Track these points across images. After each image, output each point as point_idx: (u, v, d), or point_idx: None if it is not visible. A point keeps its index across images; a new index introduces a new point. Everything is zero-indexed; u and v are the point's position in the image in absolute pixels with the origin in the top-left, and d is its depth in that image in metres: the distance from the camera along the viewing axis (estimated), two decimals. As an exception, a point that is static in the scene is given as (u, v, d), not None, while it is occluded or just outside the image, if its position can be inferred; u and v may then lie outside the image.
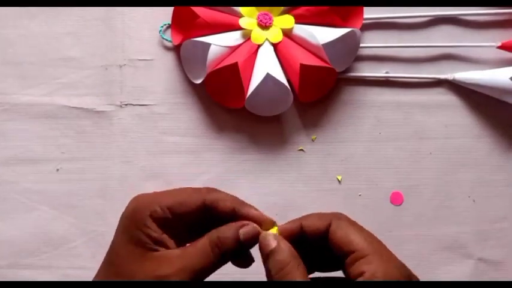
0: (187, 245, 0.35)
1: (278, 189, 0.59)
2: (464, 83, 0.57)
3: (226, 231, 0.34)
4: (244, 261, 0.37)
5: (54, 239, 0.58)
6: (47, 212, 0.58)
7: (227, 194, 0.35)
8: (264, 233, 0.34)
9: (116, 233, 0.36)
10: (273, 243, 0.33)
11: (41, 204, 0.58)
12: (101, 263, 0.38)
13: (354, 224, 0.34)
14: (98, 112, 0.59)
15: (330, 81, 0.57)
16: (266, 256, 0.33)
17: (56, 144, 0.59)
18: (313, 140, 0.59)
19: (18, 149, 0.59)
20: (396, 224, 0.59)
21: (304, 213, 0.59)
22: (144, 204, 0.35)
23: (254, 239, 0.34)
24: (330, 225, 0.33)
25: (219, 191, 0.36)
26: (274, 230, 0.34)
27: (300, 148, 0.59)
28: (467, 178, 0.59)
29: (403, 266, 0.32)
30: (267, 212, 0.58)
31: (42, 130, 0.59)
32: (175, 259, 0.33)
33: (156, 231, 0.34)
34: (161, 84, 0.59)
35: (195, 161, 0.58)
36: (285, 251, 0.32)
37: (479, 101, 0.58)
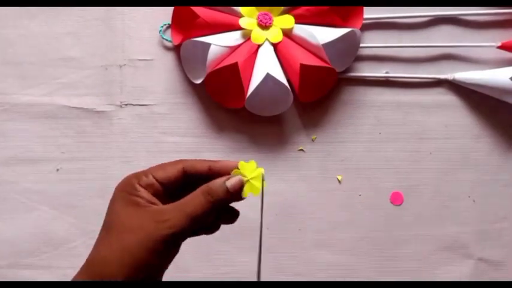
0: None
1: (278, 189, 0.59)
2: (464, 83, 0.57)
3: (215, 182, 0.38)
4: (231, 214, 0.42)
5: (54, 239, 0.58)
6: (47, 212, 0.58)
7: (198, 159, 0.40)
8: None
9: (110, 204, 0.39)
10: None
11: (41, 204, 0.58)
12: None
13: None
14: (98, 112, 0.59)
15: (330, 81, 0.57)
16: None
17: (56, 144, 0.59)
18: (313, 140, 0.59)
19: (18, 149, 0.59)
20: (396, 224, 0.59)
21: (304, 213, 0.59)
22: (131, 176, 0.39)
23: (239, 186, 0.38)
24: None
25: (190, 159, 0.41)
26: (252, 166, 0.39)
27: (300, 148, 0.59)
28: (467, 178, 0.59)
29: None
30: (267, 212, 0.59)
31: (42, 130, 0.59)
32: (171, 208, 0.37)
33: (146, 194, 0.38)
34: (161, 84, 0.59)
35: (195, 161, 0.58)
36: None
37: (479, 101, 0.58)
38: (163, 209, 0.37)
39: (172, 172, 0.39)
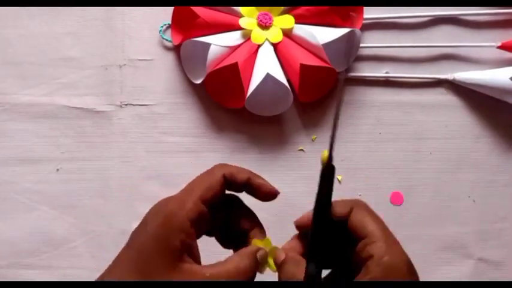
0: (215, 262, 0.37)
1: (278, 189, 0.59)
2: (464, 83, 0.57)
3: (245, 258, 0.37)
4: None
5: (54, 239, 0.58)
6: (47, 212, 0.58)
7: (237, 166, 0.38)
8: (276, 249, 0.38)
9: (144, 240, 0.34)
10: (282, 256, 0.37)
11: (41, 204, 0.58)
12: (100, 262, 0.39)
13: (370, 211, 0.36)
14: (98, 112, 0.59)
15: (330, 81, 0.57)
16: (279, 265, 0.37)
17: (56, 144, 0.59)
18: (313, 140, 0.59)
19: (18, 149, 0.59)
20: (396, 224, 0.59)
21: (304, 213, 0.59)
22: (176, 207, 0.35)
23: (266, 258, 0.38)
24: (351, 210, 0.36)
25: (230, 165, 0.38)
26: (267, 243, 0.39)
27: (300, 148, 0.59)
28: (467, 178, 0.59)
29: (405, 253, 0.35)
30: (267, 212, 0.59)
31: (42, 130, 0.59)
32: (201, 275, 0.34)
33: (189, 237, 0.34)
34: (161, 84, 0.59)
35: (195, 161, 0.58)
36: (293, 264, 0.36)
37: (479, 101, 0.58)
38: (195, 274, 0.34)
39: (217, 186, 0.37)
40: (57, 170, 0.59)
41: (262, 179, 0.39)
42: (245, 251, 0.37)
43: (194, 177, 0.38)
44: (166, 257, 0.33)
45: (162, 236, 0.33)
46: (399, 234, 0.58)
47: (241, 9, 0.56)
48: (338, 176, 0.59)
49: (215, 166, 0.38)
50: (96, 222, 0.58)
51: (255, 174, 0.38)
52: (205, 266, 0.35)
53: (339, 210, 0.37)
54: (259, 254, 0.37)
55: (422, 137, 0.59)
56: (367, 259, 0.33)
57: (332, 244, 0.36)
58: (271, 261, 0.38)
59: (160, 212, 0.35)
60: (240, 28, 0.56)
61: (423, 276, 0.59)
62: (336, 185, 0.59)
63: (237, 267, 0.35)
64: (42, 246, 0.58)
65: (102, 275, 0.34)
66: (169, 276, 0.33)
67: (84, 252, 0.58)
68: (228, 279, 0.34)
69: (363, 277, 0.33)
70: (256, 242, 0.38)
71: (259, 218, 0.60)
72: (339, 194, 0.58)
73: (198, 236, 0.37)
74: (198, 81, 0.56)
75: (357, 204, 0.37)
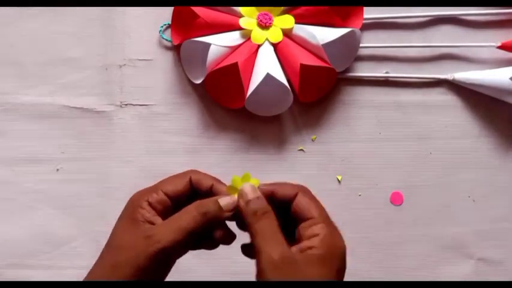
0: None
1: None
2: (464, 83, 0.57)
3: (210, 199, 0.40)
4: (228, 235, 0.42)
5: (55, 239, 0.58)
6: (47, 212, 0.58)
7: (206, 174, 0.42)
8: (245, 184, 0.40)
9: (117, 221, 0.41)
10: (253, 193, 0.39)
11: (41, 204, 0.58)
12: None
13: (314, 198, 0.41)
14: (98, 112, 0.59)
15: (330, 81, 0.57)
16: (248, 202, 0.39)
17: (56, 144, 0.59)
18: (313, 140, 0.59)
19: (18, 149, 0.59)
20: (396, 224, 0.59)
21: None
22: (142, 192, 0.41)
23: (232, 207, 0.40)
24: (296, 194, 0.40)
25: (200, 172, 0.42)
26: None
27: (300, 148, 0.59)
28: (467, 178, 0.59)
29: (343, 239, 0.39)
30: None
31: (42, 130, 0.59)
32: (162, 224, 0.39)
33: (149, 213, 0.39)
34: (161, 84, 0.59)
35: (195, 161, 0.58)
36: (265, 199, 0.40)
37: (479, 101, 0.58)
38: (155, 226, 0.38)
39: (181, 184, 0.41)
40: (57, 170, 0.59)
41: (224, 185, 0.41)
42: (191, 207, 0.39)
43: None
44: (129, 224, 0.39)
45: (126, 213, 0.40)
46: (399, 234, 0.59)
47: (241, 9, 0.56)
48: (338, 176, 0.59)
49: (187, 170, 0.42)
50: (96, 222, 0.58)
51: (219, 181, 0.41)
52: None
53: (285, 193, 0.41)
54: (223, 201, 0.40)
55: (422, 137, 0.59)
56: (311, 236, 0.38)
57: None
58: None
59: (133, 194, 0.41)
60: (240, 28, 0.56)
61: (423, 276, 0.59)
62: (336, 185, 0.59)
63: (186, 223, 0.38)
64: (43, 246, 0.58)
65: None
66: (132, 234, 0.38)
67: (84, 252, 0.58)
68: (180, 231, 0.38)
69: (304, 246, 0.37)
70: (235, 180, 0.40)
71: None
72: (339, 194, 0.59)
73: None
74: (198, 81, 0.56)
75: (302, 190, 0.41)
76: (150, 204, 0.39)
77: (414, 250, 0.59)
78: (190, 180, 0.41)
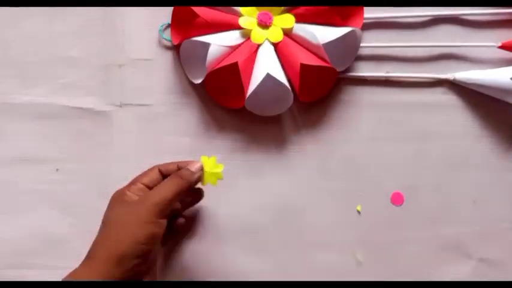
0: None
1: (278, 189, 0.59)
2: (465, 83, 0.57)
3: (183, 169, 0.50)
4: (197, 193, 0.55)
5: (54, 239, 0.58)
6: (47, 212, 0.58)
7: (171, 162, 0.52)
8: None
9: (103, 216, 0.48)
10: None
11: (41, 204, 0.58)
12: None
13: None
14: (98, 112, 0.59)
15: (330, 81, 0.57)
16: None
17: (56, 144, 0.59)
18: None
19: (18, 149, 0.59)
20: (396, 224, 0.59)
21: (303, 213, 0.59)
22: (122, 188, 0.50)
23: (200, 168, 0.50)
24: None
25: (163, 163, 0.52)
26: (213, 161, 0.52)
27: (300, 148, 0.59)
28: (467, 178, 0.59)
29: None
30: (267, 212, 0.59)
31: (42, 130, 0.59)
32: (153, 189, 0.47)
33: (133, 195, 0.48)
34: (161, 84, 0.59)
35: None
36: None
37: (480, 101, 0.58)
38: (146, 193, 0.47)
39: (154, 174, 0.50)
40: (57, 170, 0.59)
41: (189, 160, 0.51)
42: (171, 176, 0.49)
43: None
44: (117, 205, 0.48)
45: (112, 202, 0.48)
46: (400, 235, 0.59)
47: (241, 9, 0.56)
48: (338, 177, 0.59)
49: (155, 165, 0.51)
50: (96, 222, 0.58)
51: (181, 162, 0.51)
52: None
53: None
54: (193, 167, 0.50)
55: (422, 137, 0.59)
56: None
57: None
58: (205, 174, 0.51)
59: (111, 196, 0.50)
60: (239, 28, 0.56)
61: (423, 276, 0.59)
62: (336, 185, 0.59)
63: (165, 189, 0.47)
64: (42, 246, 0.58)
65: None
66: (124, 207, 0.47)
67: (84, 252, 0.58)
68: (168, 191, 0.47)
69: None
70: (203, 159, 0.51)
71: (258, 219, 0.61)
72: (339, 194, 0.59)
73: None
74: (198, 81, 0.56)
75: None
76: (131, 192, 0.48)
77: (414, 250, 0.59)
78: (160, 171, 0.50)
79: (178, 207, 0.54)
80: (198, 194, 0.55)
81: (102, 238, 0.45)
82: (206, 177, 0.51)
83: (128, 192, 0.48)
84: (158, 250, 0.52)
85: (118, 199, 0.48)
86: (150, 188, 0.48)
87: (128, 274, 0.42)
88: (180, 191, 0.47)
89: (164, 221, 0.46)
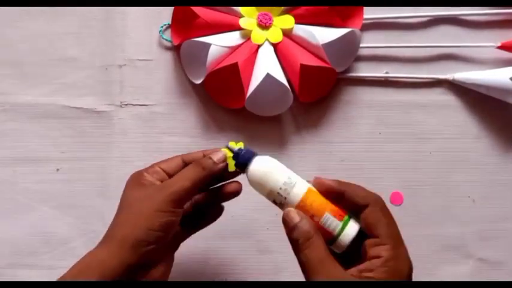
0: None
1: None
2: (464, 83, 0.57)
3: (205, 157, 0.46)
4: (217, 209, 0.49)
5: (54, 239, 0.58)
6: (47, 212, 0.58)
7: (198, 150, 0.48)
8: (286, 209, 0.41)
9: (123, 192, 0.46)
10: (297, 218, 0.40)
11: (41, 204, 0.58)
12: None
13: (386, 213, 0.39)
14: (98, 112, 0.59)
15: (330, 81, 0.57)
16: (292, 228, 0.39)
17: (56, 144, 0.59)
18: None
19: (18, 149, 0.59)
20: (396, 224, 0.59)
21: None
22: (138, 170, 0.47)
23: (223, 158, 0.45)
24: (367, 205, 0.39)
25: (189, 153, 0.48)
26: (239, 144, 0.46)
27: (300, 148, 0.59)
28: (467, 178, 0.59)
29: (409, 259, 0.38)
30: (267, 212, 0.59)
31: (42, 130, 0.59)
32: (172, 177, 0.45)
33: (151, 177, 0.45)
34: (161, 84, 0.59)
35: (195, 161, 0.58)
36: (308, 223, 0.39)
37: (479, 101, 0.58)
38: (163, 182, 0.45)
39: (173, 161, 0.47)
40: (57, 170, 0.59)
41: (214, 148, 0.47)
42: (192, 164, 0.46)
43: None
44: (137, 187, 0.45)
45: (130, 182, 0.46)
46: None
47: (241, 9, 0.56)
48: (338, 176, 0.59)
49: (178, 155, 0.48)
50: (96, 222, 0.58)
51: (208, 150, 0.47)
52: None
53: (355, 200, 0.40)
54: (215, 156, 0.45)
55: (422, 137, 0.59)
56: (374, 257, 0.37)
57: None
58: (230, 161, 0.46)
59: (129, 176, 0.47)
60: (240, 28, 0.56)
61: (423, 276, 0.59)
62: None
63: (187, 176, 0.44)
64: (42, 246, 0.58)
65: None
66: (144, 190, 0.44)
67: (84, 252, 0.58)
68: (187, 180, 0.44)
69: (364, 269, 0.37)
70: (231, 143, 0.46)
71: (258, 218, 0.60)
72: (339, 194, 0.59)
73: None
74: (198, 81, 0.56)
75: (375, 201, 0.39)
76: (149, 174, 0.46)
77: (414, 250, 0.58)
78: (183, 160, 0.47)
79: (199, 196, 0.49)
80: (217, 211, 0.50)
81: (119, 221, 0.44)
82: (231, 162, 0.46)
83: (145, 174, 0.46)
84: (179, 236, 0.49)
85: (136, 181, 0.46)
86: (168, 173, 0.46)
87: (143, 259, 0.42)
88: (200, 181, 0.44)
89: (180, 210, 0.44)
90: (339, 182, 0.41)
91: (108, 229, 0.44)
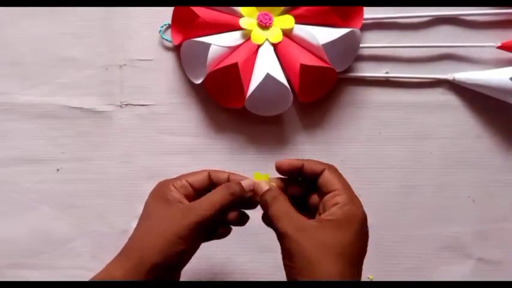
0: None
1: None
2: (464, 83, 0.57)
3: (233, 182, 0.46)
4: (241, 216, 0.48)
5: (54, 239, 0.58)
6: (47, 212, 0.58)
7: (222, 170, 0.48)
8: (257, 181, 0.46)
9: (147, 199, 0.46)
10: (265, 187, 0.45)
11: (41, 204, 0.59)
12: (100, 262, 0.42)
13: (339, 174, 0.45)
14: (98, 112, 0.59)
15: (330, 81, 0.57)
16: (262, 194, 0.45)
17: (56, 144, 0.59)
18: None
19: (18, 149, 0.59)
20: (396, 224, 0.59)
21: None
22: (167, 180, 0.47)
23: (252, 187, 0.46)
24: (324, 170, 0.44)
25: (217, 169, 0.48)
26: (265, 178, 0.47)
27: (300, 148, 0.59)
28: (467, 178, 0.59)
29: (362, 208, 0.42)
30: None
31: (42, 130, 0.59)
32: (199, 200, 0.44)
33: (177, 194, 0.45)
34: (161, 84, 0.59)
35: (195, 161, 0.58)
36: (275, 189, 0.45)
37: (479, 101, 0.58)
38: (189, 204, 0.44)
39: (201, 176, 0.47)
40: (57, 170, 0.59)
41: (239, 176, 0.47)
42: (220, 188, 0.46)
43: None
44: (162, 203, 0.45)
45: (156, 194, 0.46)
46: (399, 234, 0.59)
47: (241, 10, 0.56)
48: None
49: (205, 169, 0.48)
50: (96, 222, 0.58)
51: (233, 173, 0.48)
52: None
53: (313, 167, 0.45)
54: (244, 183, 0.46)
55: (422, 137, 0.59)
56: (333, 206, 0.42)
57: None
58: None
59: (159, 182, 0.48)
60: (240, 28, 0.56)
61: (423, 276, 0.59)
62: (336, 185, 0.59)
63: (216, 198, 0.44)
64: (42, 246, 0.58)
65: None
66: (169, 211, 0.44)
67: (84, 252, 0.58)
68: (214, 205, 0.44)
69: (325, 217, 0.41)
70: (256, 175, 0.47)
71: (259, 218, 0.60)
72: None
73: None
74: (198, 81, 0.56)
75: (329, 167, 0.45)
76: (175, 188, 0.46)
77: (414, 250, 0.59)
78: (209, 175, 0.47)
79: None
80: (242, 218, 0.48)
81: (139, 236, 0.44)
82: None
83: (172, 188, 0.45)
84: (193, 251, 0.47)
85: (161, 193, 0.45)
86: (194, 188, 0.46)
87: (155, 279, 0.42)
88: (226, 206, 0.44)
89: (200, 241, 0.45)
90: (297, 158, 0.46)
91: (128, 240, 0.44)
